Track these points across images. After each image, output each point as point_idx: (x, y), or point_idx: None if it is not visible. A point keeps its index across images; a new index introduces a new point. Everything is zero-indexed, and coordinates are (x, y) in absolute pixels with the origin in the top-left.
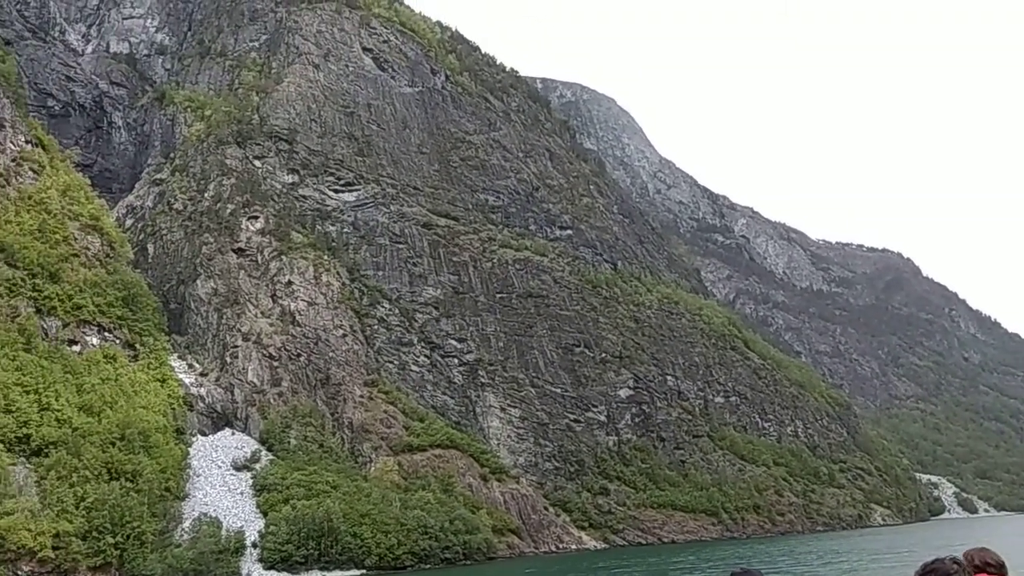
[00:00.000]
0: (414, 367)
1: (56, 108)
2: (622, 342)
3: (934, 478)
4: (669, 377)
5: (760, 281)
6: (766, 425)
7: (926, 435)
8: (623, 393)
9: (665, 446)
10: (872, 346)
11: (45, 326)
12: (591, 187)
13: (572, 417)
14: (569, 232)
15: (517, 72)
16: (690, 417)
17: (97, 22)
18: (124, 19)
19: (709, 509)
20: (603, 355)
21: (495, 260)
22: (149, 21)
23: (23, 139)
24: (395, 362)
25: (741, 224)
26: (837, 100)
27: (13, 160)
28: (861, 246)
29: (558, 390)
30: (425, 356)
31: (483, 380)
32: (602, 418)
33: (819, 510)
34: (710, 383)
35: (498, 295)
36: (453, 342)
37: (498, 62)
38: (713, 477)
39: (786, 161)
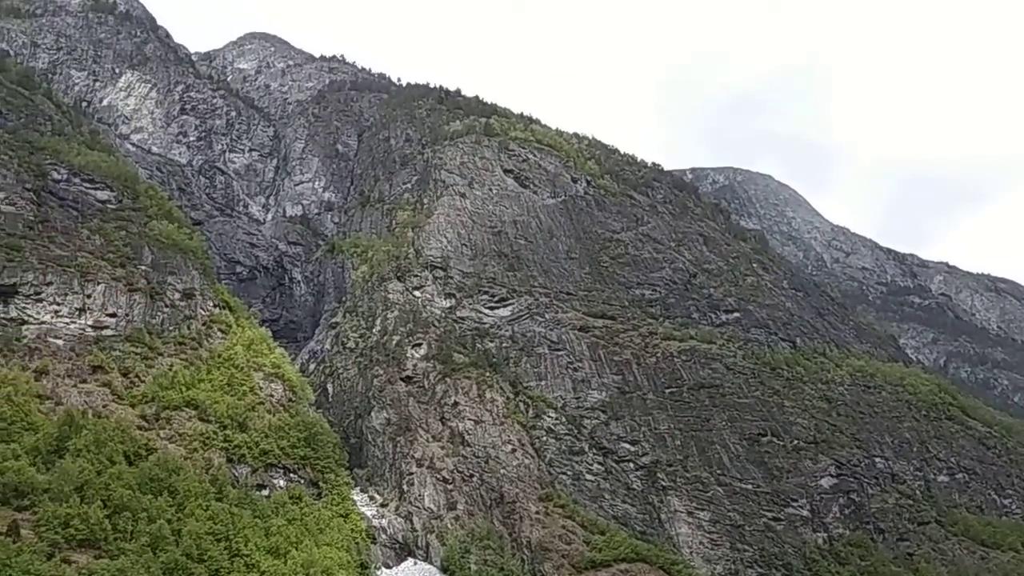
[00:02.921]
0: (588, 476)
1: (244, 273)
2: (815, 425)
3: None
4: (877, 459)
5: (972, 340)
6: (1006, 502)
7: None
8: (825, 482)
9: (885, 538)
10: None
11: (236, 474)
12: (754, 265)
13: (770, 515)
14: (736, 315)
15: (660, 166)
16: (910, 502)
17: (274, 192)
18: (296, 185)
19: None
20: (795, 442)
21: (659, 354)
22: (317, 183)
23: (211, 304)
24: (568, 473)
25: (938, 281)
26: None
27: (204, 324)
28: None
29: (749, 486)
30: (598, 463)
31: (664, 483)
32: (805, 513)
33: None
34: (928, 461)
35: (667, 390)
36: (626, 445)
37: (639, 159)
38: (949, 569)
39: (973, 208)
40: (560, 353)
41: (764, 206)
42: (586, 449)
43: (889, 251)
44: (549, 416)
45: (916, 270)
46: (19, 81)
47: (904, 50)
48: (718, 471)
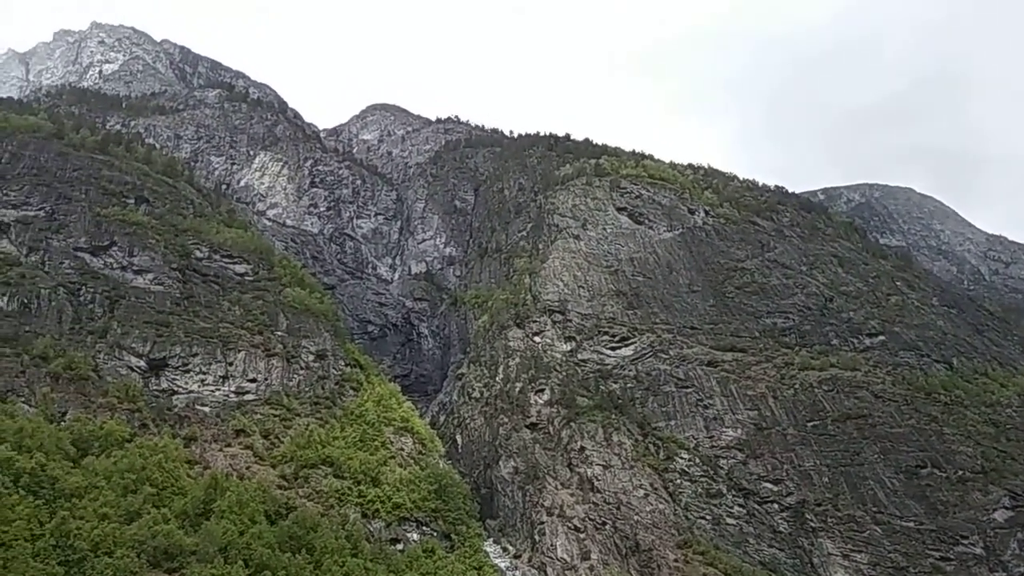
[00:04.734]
0: (729, 520)
1: (375, 331)
2: (982, 453)
3: None
4: None
5: None
6: None
7: None
8: (999, 516)
9: None
10: None
11: (370, 529)
12: (898, 284)
13: (937, 555)
14: (881, 338)
15: (784, 188)
16: None
17: (399, 252)
18: (419, 243)
19: None
20: (959, 472)
21: (797, 386)
22: (438, 239)
23: (343, 363)
24: (707, 517)
25: None
26: None
27: (336, 383)
28: None
29: (910, 524)
30: (739, 505)
31: (813, 524)
32: (978, 551)
33: None
34: None
35: (809, 424)
36: (768, 485)
37: (760, 183)
38: None
39: None
40: (688, 390)
41: (907, 221)
42: (724, 491)
43: None
44: (682, 457)
45: None
46: (164, 171)
47: None
48: (874, 509)
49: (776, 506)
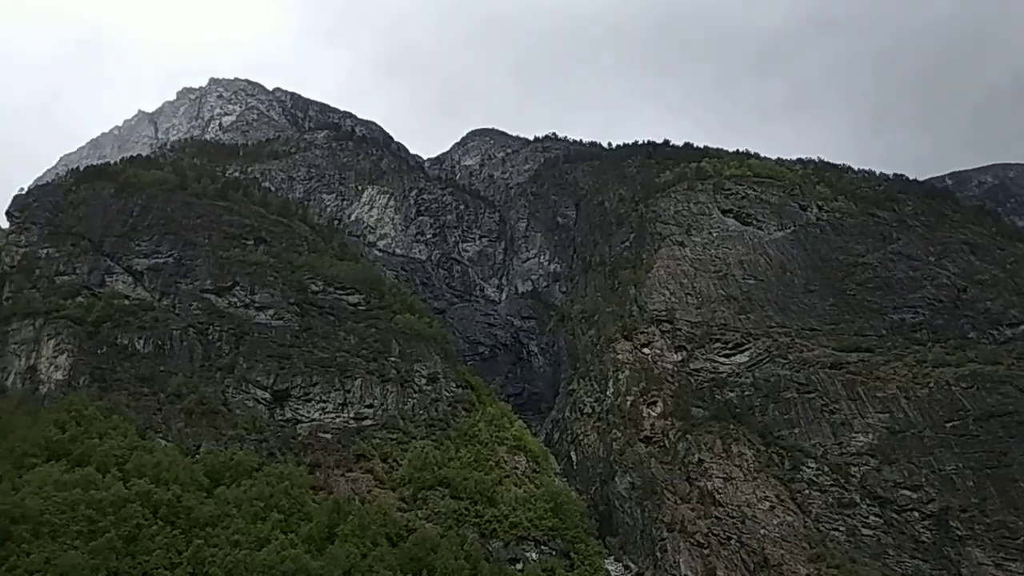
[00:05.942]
0: (865, 531)
1: (486, 352)
2: None
3: None
4: None
5: None
6: None
7: None
8: None
9: None
10: None
11: (489, 548)
12: None
13: None
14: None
15: (904, 176)
16: None
17: (505, 272)
18: (523, 263)
19: None
20: None
21: (932, 384)
22: (542, 257)
23: (454, 385)
24: (841, 529)
25: None
26: None
27: (449, 405)
28: None
29: None
30: (875, 515)
31: (960, 532)
32: None
33: None
34: None
35: (947, 424)
36: (906, 492)
37: (878, 173)
38: None
39: None
40: (811, 395)
41: None
42: (858, 500)
43: None
44: (809, 467)
45: None
46: (279, 212)
47: None
48: None
49: (916, 514)
